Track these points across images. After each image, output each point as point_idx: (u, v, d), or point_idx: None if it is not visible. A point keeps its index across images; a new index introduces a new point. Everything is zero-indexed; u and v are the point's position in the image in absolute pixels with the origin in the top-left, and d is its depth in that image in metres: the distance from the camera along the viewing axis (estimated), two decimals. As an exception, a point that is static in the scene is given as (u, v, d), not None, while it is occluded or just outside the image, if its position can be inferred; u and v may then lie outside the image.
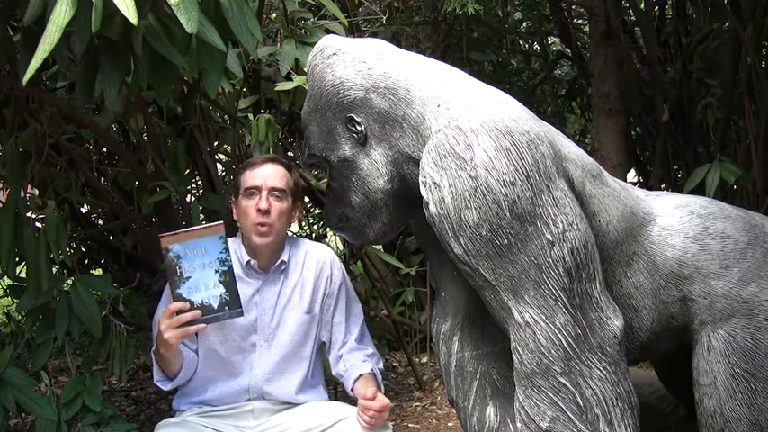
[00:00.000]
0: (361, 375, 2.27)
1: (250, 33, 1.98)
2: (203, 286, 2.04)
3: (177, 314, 2.04)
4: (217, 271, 2.04)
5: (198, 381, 2.29)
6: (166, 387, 2.25)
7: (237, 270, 2.24)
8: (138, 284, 3.35)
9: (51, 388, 2.52)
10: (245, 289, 2.24)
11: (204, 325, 2.07)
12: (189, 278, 2.03)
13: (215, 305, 2.06)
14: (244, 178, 2.27)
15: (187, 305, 2.04)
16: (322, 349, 2.40)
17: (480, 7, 3.53)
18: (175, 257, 2.02)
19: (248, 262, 2.28)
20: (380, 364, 2.37)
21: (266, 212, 2.22)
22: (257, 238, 2.23)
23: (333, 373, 2.39)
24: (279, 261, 2.30)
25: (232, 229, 2.41)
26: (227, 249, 2.05)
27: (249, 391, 2.28)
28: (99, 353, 2.66)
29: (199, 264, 2.03)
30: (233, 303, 2.07)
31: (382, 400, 2.13)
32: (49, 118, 2.71)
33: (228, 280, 2.06)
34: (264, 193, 2.22)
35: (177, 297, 2.04)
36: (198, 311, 2.05)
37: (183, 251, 2.02)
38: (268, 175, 2.25)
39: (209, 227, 2.07)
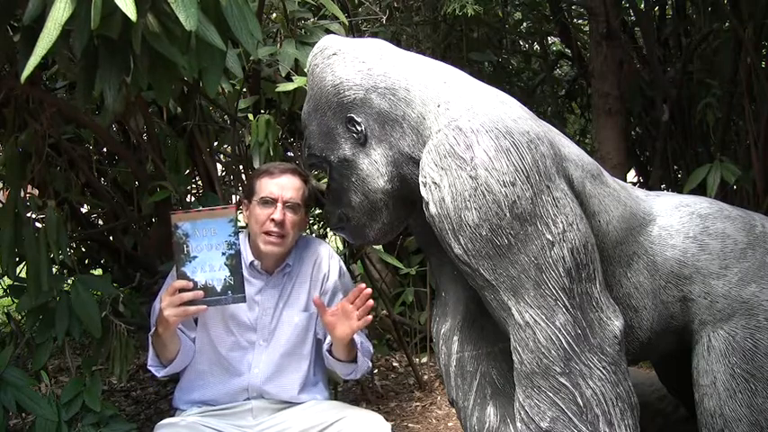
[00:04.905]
0: None
1: (250, 33, 1.97)
2: (208, 267, 2.03)
3: (180, 292, 2.04)
4: (224, 254, 2.03)
5: (193, 374, 2.29)
6: (159, 374, 2.24)
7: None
8: (138, 284, 3.34)
9: (51, 388, 2.52)
10: (247, 287, 2.24)
11: (205, 307, 2.06)
12: (195, 257, 2.03)
13: (218, 288, 2.05)
14: (260, 185, 2.26)
15: (191, 284, 2.03)
16: (320, 346, 2.40)
17: (480, 8, 3.53)
18: (184, 235, 2.02)
19: (252, 263, 2.28)
20: (370, 347, 2.36)
21: (280, 223, 2.22)
22: (267, 246, 2.24)
23: (326, 365, 2.38)
24: (284, 264, 2.31)
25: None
26: (236, 233, 2.04)
27: (248, 390, 2.28)
28: (99, 353, 2.65)
29: (206, 244, 2.03)
30: (236, 288, 2.05)
31: (361, 286, 2.12)
32: (49, 118, 2.70)
33: (235, 264, 2.04)
34: (280, 204, 2.22)
35: (181, 275, 2.04)
36: (200, 292, 2.04)
37: (192, 230, 2.02)
38: (286, 186, 2.25)
39: (222, 208, 2.07)
